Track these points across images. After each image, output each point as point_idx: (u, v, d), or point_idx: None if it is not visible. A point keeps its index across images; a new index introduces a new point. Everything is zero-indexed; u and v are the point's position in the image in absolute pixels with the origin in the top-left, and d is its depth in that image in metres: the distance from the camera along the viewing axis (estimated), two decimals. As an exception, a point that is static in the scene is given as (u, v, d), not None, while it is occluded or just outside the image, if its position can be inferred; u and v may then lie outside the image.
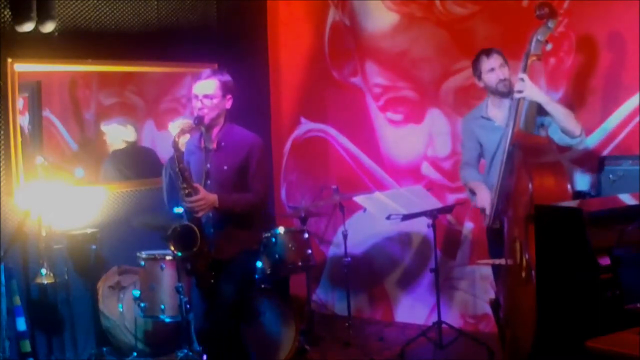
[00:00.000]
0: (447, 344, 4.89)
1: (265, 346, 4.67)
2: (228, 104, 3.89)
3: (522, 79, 3.95)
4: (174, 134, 3.84)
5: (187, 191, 3.71)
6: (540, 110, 4.07)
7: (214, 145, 3.86)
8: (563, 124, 3.99)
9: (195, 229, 3.71)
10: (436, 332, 4.89)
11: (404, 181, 5.67)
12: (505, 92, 4.23)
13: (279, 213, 6.16)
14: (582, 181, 4.75)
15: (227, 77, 3.91)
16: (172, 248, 3.77)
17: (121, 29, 5.13)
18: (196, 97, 3.83)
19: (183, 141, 3.99)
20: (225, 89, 3.86)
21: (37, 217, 4.57)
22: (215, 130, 3.87)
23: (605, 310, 2.61)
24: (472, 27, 5.26)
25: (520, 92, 3.96)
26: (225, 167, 3.83)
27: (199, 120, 3.79)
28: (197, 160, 3.88)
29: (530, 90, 3.96)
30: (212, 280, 3.82)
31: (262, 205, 3.94)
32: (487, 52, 4.27)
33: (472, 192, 4.35)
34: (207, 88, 3.82)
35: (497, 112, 4.27)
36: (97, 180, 5.18)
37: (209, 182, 3.81)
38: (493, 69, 4.22)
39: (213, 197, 3.74)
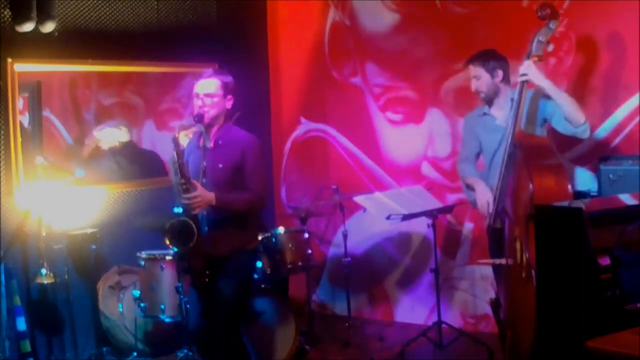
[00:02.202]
0: (447, 344, 4.89)
1: (265, 346, 4.67)
2: (228, 104, 3.94)
3: (526, 64, 3.95)
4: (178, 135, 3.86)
5: (184, 187, 3.74)
6: (542, 105, 4.08)
7: (211, 144, 3.90)
8: (567, 110, 3.99)
9: (192, 224, 3.73)
10: (436, 332, 4.89)
11: (404, 181, 5.67)
12: (482, 101, 4.30)
13: (279, 213, 6.16)
14: (583, 180, 4.75)
15: (228, 78, 3.96)
16: (169, 243, 3.78)
17: (121, 29, 5.13)
18: (197, 95, 3.88)
19: (184, 139, 4.01)
20: (227, 89, 3.91)
21: (37, 217, 4.57)
22: (214, 130, 3.92)
23: (605, 310, 2.61)
24: (472, 27, 5.26)
25: (524, 75, 3.95)
26: (220, 165, 3.86)
27: (199, 118, 3.83)
28: (194, 158, 3.91)
29: (534, 74, 3.96)
30: (207, 280, 3.84)
31: (261, 204, 3.96)
32: (467, 63, 4.33)
33: (470, 188, 4.36)
34: (208, 87, 3.88)
35: (499, 111, 4.27)
36: (96, 178, 5.18)
37: (204, 180, 3.83)
38: (471, 79, 4.29)
39: (210, 195, 3.76)
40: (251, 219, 3.97)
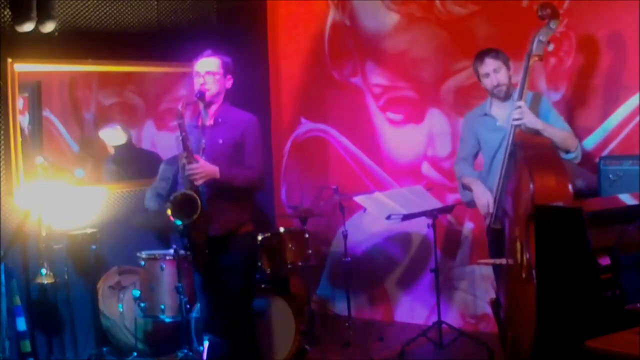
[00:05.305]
0: (447, 344, 4.89)
1: (265, 346, 4.67)
2: (228, 84, 4.00)
3: (519, 107, 3.91)
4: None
5: (187, 160, 3.79)
6: (542, 108, 4.07)
7: (211, 122, 3.95)
8: (561, 145, 3.99)
9: (196, 196, 3.75)
10: (436, 332, 4.89)
11: (404, 181, 5.67)
12: (502, 97, 4.22)
13: (279, 213, 6.16)
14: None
15: (228, 58, 4.03)
16: (172, 216, 3.79)
17: (121, 29, 5.13)
18: (198, 74, 3.95)
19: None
20: (227, 68, 3.99)
21: (37, 217, 4.57)
22: (213, 108, 3.97)
23: (605, 310, 2.61)
24: (472, 27, 5.26)
25: (519, 119, 3.90)
26: (221, 141, 3.90)
27: (200, 94, 3.89)
28: (194, 137, 3.94)
29: (529, 117, 3.92)
30: (207, 258, 3.86)
31: (260, 183, 3.98)
32: (481, 57, 4.23)
33: (467, 188, 4.34)
34: (210, 65, 3.95)
35: (500, 111, 4.25)
36: (97, 180, 5.18)
37: (204, 157, 3.86)
38: (487, 74, 4.20)
39: (214, 168, 3.80)
40: (246, 201, 3.99)
